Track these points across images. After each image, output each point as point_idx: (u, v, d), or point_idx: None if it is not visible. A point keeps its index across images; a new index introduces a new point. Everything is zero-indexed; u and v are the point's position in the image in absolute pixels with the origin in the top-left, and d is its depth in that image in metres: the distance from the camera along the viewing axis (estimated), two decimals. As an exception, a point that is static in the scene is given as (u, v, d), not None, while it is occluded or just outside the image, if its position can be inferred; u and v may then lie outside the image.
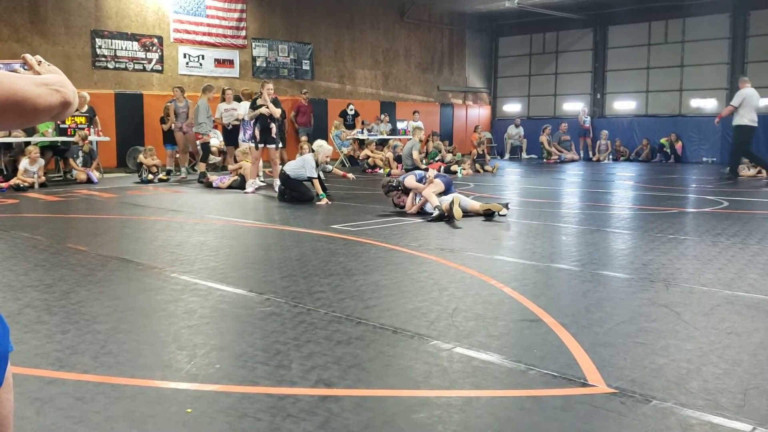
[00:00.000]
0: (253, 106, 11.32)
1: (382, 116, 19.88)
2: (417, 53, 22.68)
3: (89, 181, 12.66)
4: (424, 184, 8.32)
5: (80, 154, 13.05)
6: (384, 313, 4.03)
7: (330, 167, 10.47)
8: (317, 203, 9.51)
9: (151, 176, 13.00)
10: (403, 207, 8.62)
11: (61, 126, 13.17)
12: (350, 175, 10.62)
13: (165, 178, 13.27)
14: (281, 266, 5.36)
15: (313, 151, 10.11)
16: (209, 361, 3.24)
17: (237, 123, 13.34)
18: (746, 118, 13.19)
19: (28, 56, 1.48)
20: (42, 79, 1.38)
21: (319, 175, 9.90)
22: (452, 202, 7.69)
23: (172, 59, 16.88)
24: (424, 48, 22.94)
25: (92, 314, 4.03)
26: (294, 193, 9.82)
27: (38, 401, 2.76)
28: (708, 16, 20.06)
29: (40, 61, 1.48)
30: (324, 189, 9.89)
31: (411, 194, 8.53)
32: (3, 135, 12.55)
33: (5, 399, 1.45)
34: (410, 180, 8.50)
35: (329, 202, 9.53)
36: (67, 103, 1.39)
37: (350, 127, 18.49)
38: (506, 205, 8.13)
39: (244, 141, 12.96)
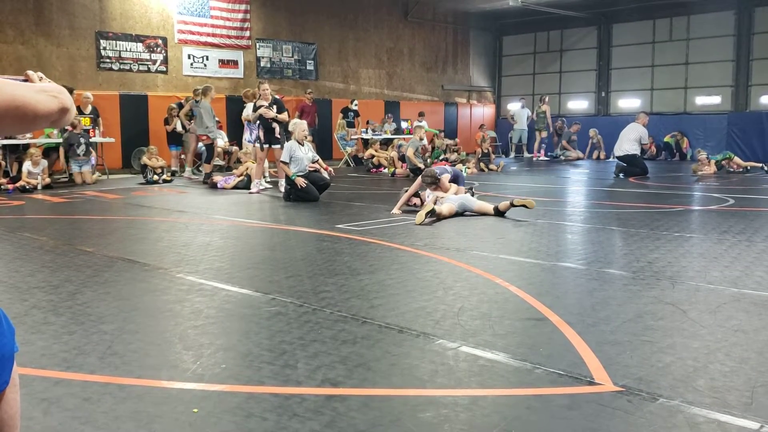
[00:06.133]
0: (255, 108, 11.39)
1: (387, 117, 19.86)
2: (421, 52, 22.66)
3: (84, 182, 12.62)
4: (459, 185, 8.74)
5: (81, 141, 12.77)
6: (389, 312, 4.03)
7: (315, 156, 10.41)
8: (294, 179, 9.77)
9: (156, 177, 13.02)
10: (416, 205, 8.65)
11: (67, 128, 13.17)
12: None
13: (169, 179, 13.29)
14: (286, 266, 5.36)
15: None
16: (215, 361, 3.24)
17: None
18: None
19: (30, 72, 1.51)
20: (41, 86, 1.42)
21: (317, 160, 10.23)
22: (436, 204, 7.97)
23: (177, 60, 16.90)
24: (428, 47, 22.91)
25: (98, 315, 4.04)
26: (299, 192, 9.83)
27: (45, 402, 2.77)
28: (713, 14, 19.98)
29: (41, 77, 1.51)
30: (326, 186, 10.08)
31: (424, 194, 8.66)
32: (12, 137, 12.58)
33: (12, 399, 1.46)
34: (444, 177, 8.82)
35: (303, 185, 9.75)
36: (65, 109, 1.43)
37: (350, 125, 18.46)
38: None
39: (249, 141, 13.00)
